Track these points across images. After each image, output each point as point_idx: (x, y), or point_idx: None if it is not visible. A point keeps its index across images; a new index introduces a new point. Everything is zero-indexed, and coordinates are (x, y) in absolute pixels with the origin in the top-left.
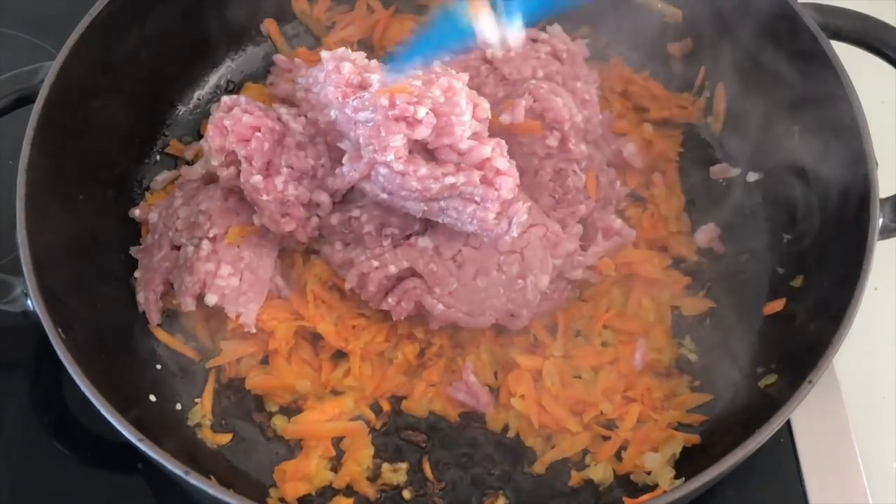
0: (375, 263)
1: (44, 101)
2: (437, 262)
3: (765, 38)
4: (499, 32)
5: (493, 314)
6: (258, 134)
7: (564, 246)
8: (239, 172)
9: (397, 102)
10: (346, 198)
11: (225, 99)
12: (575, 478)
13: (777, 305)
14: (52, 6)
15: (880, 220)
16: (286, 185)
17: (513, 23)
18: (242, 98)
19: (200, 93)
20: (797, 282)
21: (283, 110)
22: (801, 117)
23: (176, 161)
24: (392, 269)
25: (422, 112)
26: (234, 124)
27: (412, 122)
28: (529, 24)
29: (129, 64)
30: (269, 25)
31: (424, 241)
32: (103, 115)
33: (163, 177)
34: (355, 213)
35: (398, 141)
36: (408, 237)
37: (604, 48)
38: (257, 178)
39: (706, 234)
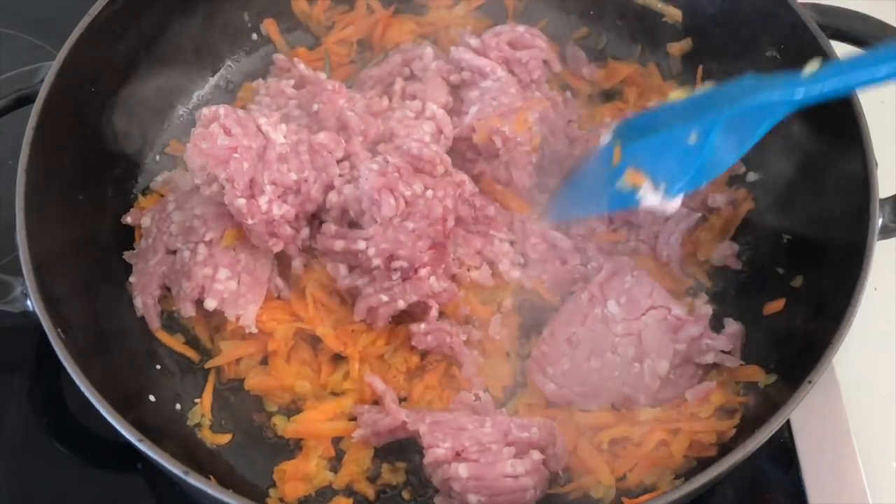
0: (385, 298)
1: (44, 101)
2: (550, 342)
3: (765, 39)
4: (658, 202)
5: (607, 396)
6: (235, 155)
7: (688, 330)
8: (222, 189)
9: None
10: (344, 218)
11: (204, 111)
12: (575, 492)
13: (777, 305)
14: (52, 6)
15: (880, 220)
16: (270, 204)
17: (672, 199)
18: (222, 110)
19: (200, 93)
20: (797, 282)
21: (262, 120)
22: (800, 117)
23: (176, 161)
24: (401, 303)
25: None
26: (211, 147)
27: None
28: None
29: (129, 64)
30: (268, 25)
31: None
32: (103, 114)
33: (163, 177)
34: (361, 245)
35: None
36: (416, 270)
37: (604, 48)
38: (241, 202)
39: (721, 251)
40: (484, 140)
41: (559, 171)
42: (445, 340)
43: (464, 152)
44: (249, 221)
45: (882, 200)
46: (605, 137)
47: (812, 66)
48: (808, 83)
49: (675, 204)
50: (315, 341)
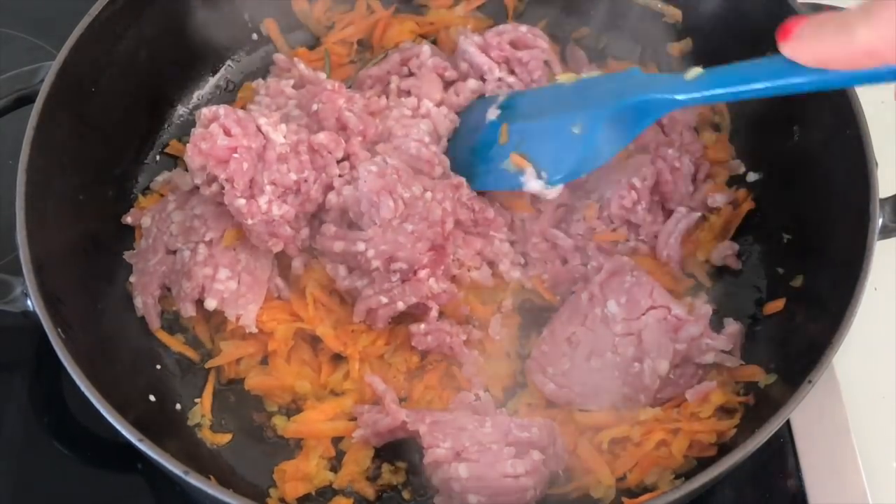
0: (384, 299)
1: (44, 102)
2: (550, 342)
3: (765, 39)
4: (540, 189)
5: (607, 397)
6: (235, 155)
7: (688, 330)
8: (222, 190)
9: None
10: (343, 219)
11: (204, 111)
12: (575, 492)
13: (777, 305)
14: (52, 6)
15: (880, 220)
16: (270, 204)
17: (553, 187)
18: (222, 110)
19: (200, 93)
20: (797, 282)
21: (262, 120)
22: (801, 117)
23: (176, 161)
24: (401, 304)
25: None
26: (211, 148)
27: None
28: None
29: (129, 64)
30: (268, 25)
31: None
32: (103, 115)
33: (163, 177)
34: (360, 246)
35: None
36: (415, 272)
37: (604, 48)
38: (241, 202)
39: (721, 251)
40: None
41: None
42: (445, 340)
43: None
44: (249, 221)
45: (882, 200)
46: (493, 111)
47: (696, 70)
48: (690, 87)
49: (555, 192)
50: (315, 341)
